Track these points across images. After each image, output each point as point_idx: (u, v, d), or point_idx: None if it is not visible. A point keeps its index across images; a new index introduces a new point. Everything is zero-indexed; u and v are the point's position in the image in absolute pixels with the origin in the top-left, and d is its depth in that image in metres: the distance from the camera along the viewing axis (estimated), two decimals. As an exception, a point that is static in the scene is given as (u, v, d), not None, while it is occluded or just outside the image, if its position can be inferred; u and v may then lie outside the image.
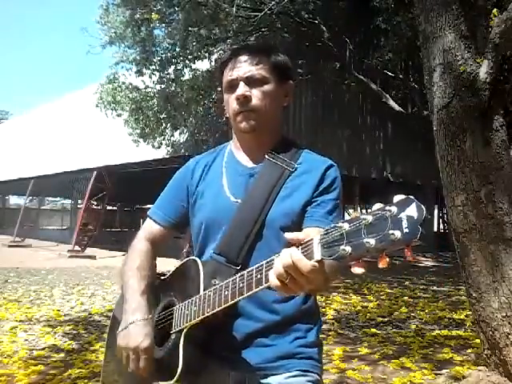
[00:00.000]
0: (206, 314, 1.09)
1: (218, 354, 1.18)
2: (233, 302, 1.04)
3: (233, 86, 1.23)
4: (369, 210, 0.82)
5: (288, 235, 0.91)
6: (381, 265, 0.79)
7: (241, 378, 1.18)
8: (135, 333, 1.16)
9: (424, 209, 0.75)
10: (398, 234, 0.74)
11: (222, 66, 1.29)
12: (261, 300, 1.19)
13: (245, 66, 1.22)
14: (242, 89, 1.21)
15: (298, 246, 0.89)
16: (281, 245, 1.12)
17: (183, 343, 1.11)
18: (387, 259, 0.78)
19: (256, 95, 1.21)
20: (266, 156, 1.25)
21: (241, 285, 1.01)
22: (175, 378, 1.09)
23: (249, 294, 1.00)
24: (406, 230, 0.74)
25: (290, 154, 1.27)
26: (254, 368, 1.18)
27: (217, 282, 1.11)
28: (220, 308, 1.06)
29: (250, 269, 1.01)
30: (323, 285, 0.99)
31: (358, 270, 0.81)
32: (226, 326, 1.19)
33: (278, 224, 1.19)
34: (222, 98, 1.31)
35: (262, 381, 1.18)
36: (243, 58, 1.23)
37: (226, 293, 1.05)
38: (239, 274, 1.03)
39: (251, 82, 1.22)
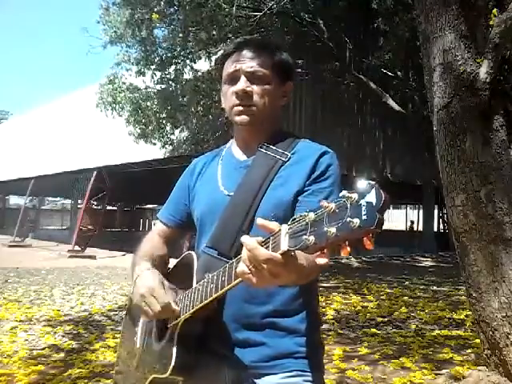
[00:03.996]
0: (195, 308, 1.08)
1: (214, 350, 1.18)
2: (217, 294, 1.02)
3: (234, 78, 1.22)
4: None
5: (259, 221, 0.87)
6: (342, 253, 0.77)
7: (237, 377, 1.17)
8: (142, 280, 1.17)
9: (383, 195, 0.71)
10: (356, 221, 0.71)
11: (223, 57, 1.28)
12: (253, 296, 1.16)
13: (248, 61, 1.21)
14: (242, 83, 1.20)
15: (268, 236, 0.86)
16: None
17: (177, 337, 1.11)
18: (348, 248, 0.76)
19: (257, 92, 1.20)
20: (259, 148, 1.23)
21: (223, 278, 1.00)
22: (168, 372, 1.09)
23: (229, 286, 0.98)
24: (365, 218, 0.71)
25: (285, 145, 1.23)
26: (249, 367, 1.16)
27: (209, 276, 1.09)
28: (206, 301, 1.05)
29: (231, 261, 0.99)
30: (297, 278, 0.93)
31: (321, 260, 0.79)
32: (220, 321, 1.17)
33: (270, 215, 1.12)
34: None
35: (258, 380, 1.15)
36: (247, 52, 1.22)
37: (211, 286, 1.04)
38: (223, 267, 1.01)
39: (253, 78, 1.20)
